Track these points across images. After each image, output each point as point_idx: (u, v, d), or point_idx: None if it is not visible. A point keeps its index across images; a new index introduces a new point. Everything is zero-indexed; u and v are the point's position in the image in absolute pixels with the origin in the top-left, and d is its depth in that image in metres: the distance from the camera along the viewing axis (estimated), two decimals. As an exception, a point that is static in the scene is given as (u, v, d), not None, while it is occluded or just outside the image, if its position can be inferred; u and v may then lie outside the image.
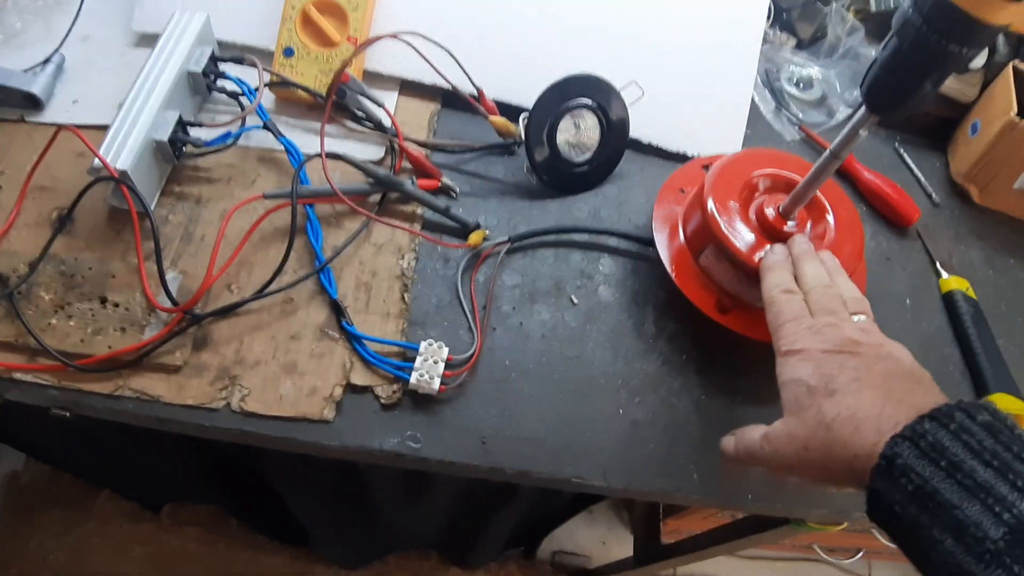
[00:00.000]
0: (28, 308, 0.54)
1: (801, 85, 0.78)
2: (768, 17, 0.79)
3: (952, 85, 0.74)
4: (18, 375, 0.52)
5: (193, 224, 0.60)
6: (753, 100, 0.77)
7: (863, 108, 0.48)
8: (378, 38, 0.61)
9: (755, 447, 0.45)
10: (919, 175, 0.76)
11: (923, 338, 0.66)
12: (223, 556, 1.22)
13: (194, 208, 0.61)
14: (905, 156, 0.77)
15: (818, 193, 0.59)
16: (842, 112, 0.77)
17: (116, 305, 0.55)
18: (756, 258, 0.55)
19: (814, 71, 0.79)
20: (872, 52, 0.77)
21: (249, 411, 0.53)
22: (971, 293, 0.67)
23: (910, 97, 0.45)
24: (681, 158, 0.70)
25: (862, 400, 0.40)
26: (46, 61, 0.64)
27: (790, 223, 0.58)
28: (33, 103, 0.63)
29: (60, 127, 0.57)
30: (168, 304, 0.54)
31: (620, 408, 0.57)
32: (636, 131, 0.69)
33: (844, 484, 0.40)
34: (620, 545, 1.31)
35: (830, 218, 0.59)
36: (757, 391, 0.60)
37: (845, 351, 0.43)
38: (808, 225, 0.59)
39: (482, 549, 1.12)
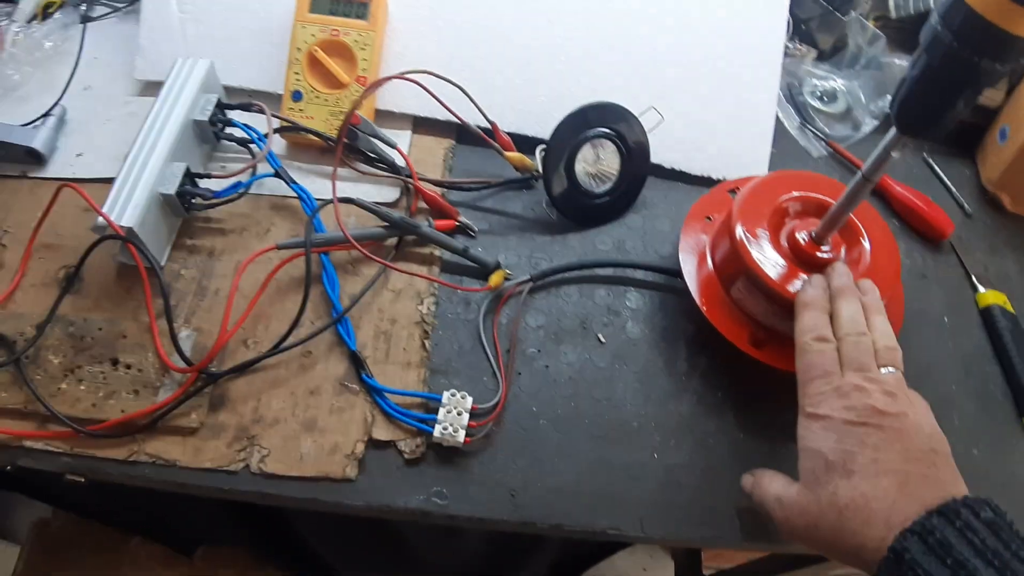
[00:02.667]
0: (37, 373, 0.53)
1: (825, 98, 0.75)
2: (787, 30, 0.77)
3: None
4: (28, 443, 0.51)
5: (207, 278, 0.59)
6: (777, 117, 0.74)
7: (894, 130, 0.45)
8: (387, 79, 0.59)
9: (769, 504, 0.46)
10: (950, 185, 0.73)
11: (964, 357, 0.63)
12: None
13: (207, 261, 0.59)
14: (935, 166, 0.74)
15: (852, 216, 0.57)
16: (868, 124, 0.74)
17: (128, 367, 0.54)
18: (791, 289, 0.52)
19: (837, 83, 0.76)
20: (895, 60, 0.74)
21: (269, 472, 0.51)
22: (1009, 307, 0.64)
23: (943, 116, 0.43)
24: (706, 182, 0.68)
25: (877, 488, 0.40)
26: (47, 114, 0.63)
27: (824, 248, 0.55)
28: (35, 158, 0.62)
29: (63, 184, 0.56)
30: (181, 364, 0.53)
31: (655, 453, 0.54)
32: (658, 156, 0.66)
33: (850, 565, 0.41)
34: (662, 571, 1.27)
35: (865, 242, 0.56)
36: (793, 429, 0.57)
37: (869, 424, 0.43)
38: (843, 250, 0.56)
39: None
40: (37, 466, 0.51)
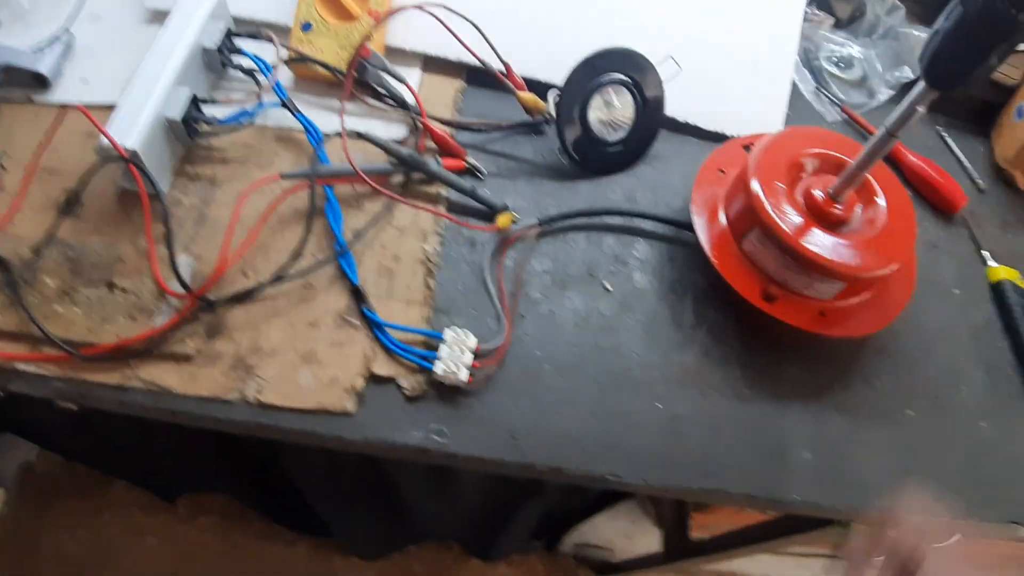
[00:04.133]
0: (32, 295, 0.51)
1: (841, 64, 0.74)
2: (807, -7, 0.76)
3: (1002, 64, 0.70)
4: (21, 366, 0.49)
5: (207, 206, 0.57)
6: (792, 80, 0.73)
7: (922, 83, 0.44)
8: (400, 9, 0.57)
9: None
10: (963, 160, 0.72)
11: (973, 329, 0.62)
12: (239, 546, 1.19)
13: (209, 189, 0.58)
14: (948, 140, 0.73)
15: (868, 175, 0.56)
16: (883, 94, 0.73)
17: (125, 291, 0.52)
18: (804, 243, 0.51)
19: (854, 50, 0.75)
20: (913, 31, 0.73)
21: (266, 403, 0.50)
22: (1020, 283, 0.63)
23: (974, 71, 0.42)
24: (719, 138, 0.67)
25: None
26: (54, 40, 0.61)
27: (838, 206, 0.54)
28: (40, 83, 0.60)
29: (68, 107, 0.54)
30: (179, 290, 0.51)
31: (658, 402, 0.54)
32: (672, 109, 0.65)
33: None
34: (645, 537, 1.27)
35: (881, 201, 0.55)
36: (804, 382, 0.56)
37: None
38: (859, 209, 0.55)
39: (504, 542, 1.09)
40: (29, 390, 0.50)
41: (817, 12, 0.77)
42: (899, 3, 0.74)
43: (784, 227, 0.52)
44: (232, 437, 0.55)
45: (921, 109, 0.46)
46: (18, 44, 0.60)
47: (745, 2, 0.67)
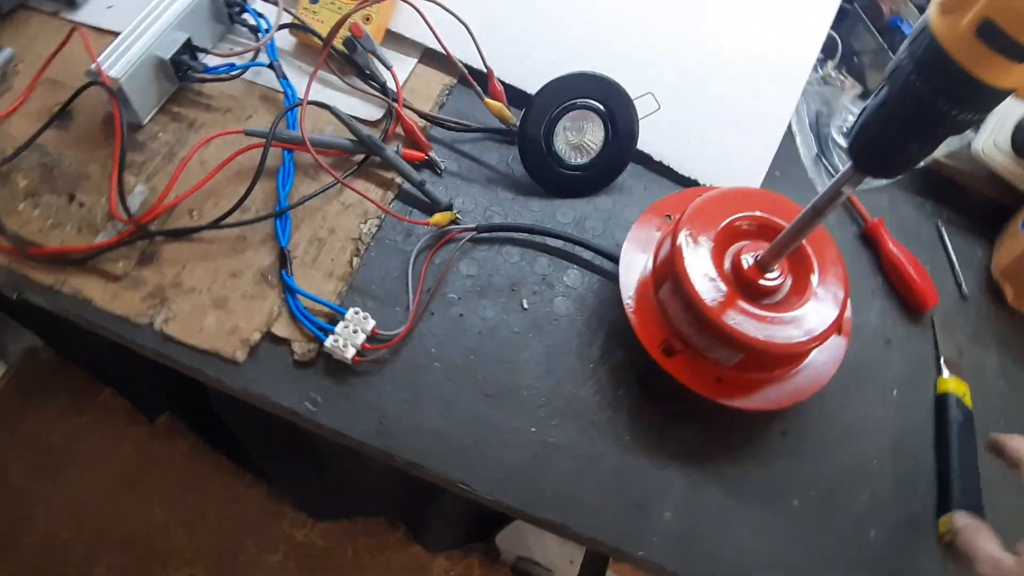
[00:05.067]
0: (2, 189, 0.57)
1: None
2: (835, 56, 0.73)
3: (1010, 168, 0.65)
4: (-25, 250, 0.55)
5: (179, 146, 0.61)
6: (795, 142, 0.71)
7: (849, 163, 0.42)
8: None
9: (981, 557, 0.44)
10: (954, 260, 0.68)
11: (900, 434, 0.59)
12: (204, 476, 1.26)
13: (185, 131, 0.62)
14: (945, 236, 0.69)
15: (808, 248, 0.54)
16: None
17: (81, 205, 0.57)
18: (710, 303, 0.50)
19: (871, 124, 0.71)
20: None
21: (168, 334, 0.54)
22: (968, 400, 0.59)
23: (895, 157, 0.40)
24: (692, 184, 0.66)
25: None
26: (89, -38, 0.67)
27: (769, 276, 0.52)
28: (69, 2, 0.66)
29: (75, 27, 0.60)
30: (124, 215, 0.56)
31: (534, 426, 0.54)
32: (648, 146, 0.65)
33: None
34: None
35: (814, 279, 0.53)
36: (691, 445, 0.55)
37: None
38: (788, 281, 0.53)
39: (438, 530, 1.10)
40: (-19, 273, 0.56)
41: (845, 76, 0.74)
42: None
43: (692, 281, 0.51)
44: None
45: (846, 190, 0.44)
46: (56, -36, 0.66)
47: (750, 53, 0.65)
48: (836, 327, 0.53)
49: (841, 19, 0.66)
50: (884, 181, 0.69)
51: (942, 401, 0.60)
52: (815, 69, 0.73)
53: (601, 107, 0.61)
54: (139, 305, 0.54)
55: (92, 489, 1.22)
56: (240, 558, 1.24)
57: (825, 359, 0.56)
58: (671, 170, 0.66)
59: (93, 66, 0.56)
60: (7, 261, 0.55)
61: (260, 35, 0.64)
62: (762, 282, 0.52)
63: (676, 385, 0.54)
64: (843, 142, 0.71)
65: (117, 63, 0.57)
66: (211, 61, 0.62)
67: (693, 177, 0.65)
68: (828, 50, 0.71)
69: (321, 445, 0.80)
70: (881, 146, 0.40)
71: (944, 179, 0.72)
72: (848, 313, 0.58)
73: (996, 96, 0.34)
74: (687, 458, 0.55)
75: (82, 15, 0.66)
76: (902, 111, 0.37)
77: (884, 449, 0.58)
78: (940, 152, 0.68)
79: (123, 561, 1.20)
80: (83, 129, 0.61)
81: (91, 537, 1.20)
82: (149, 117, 0.62)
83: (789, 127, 0.71)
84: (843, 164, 0.67)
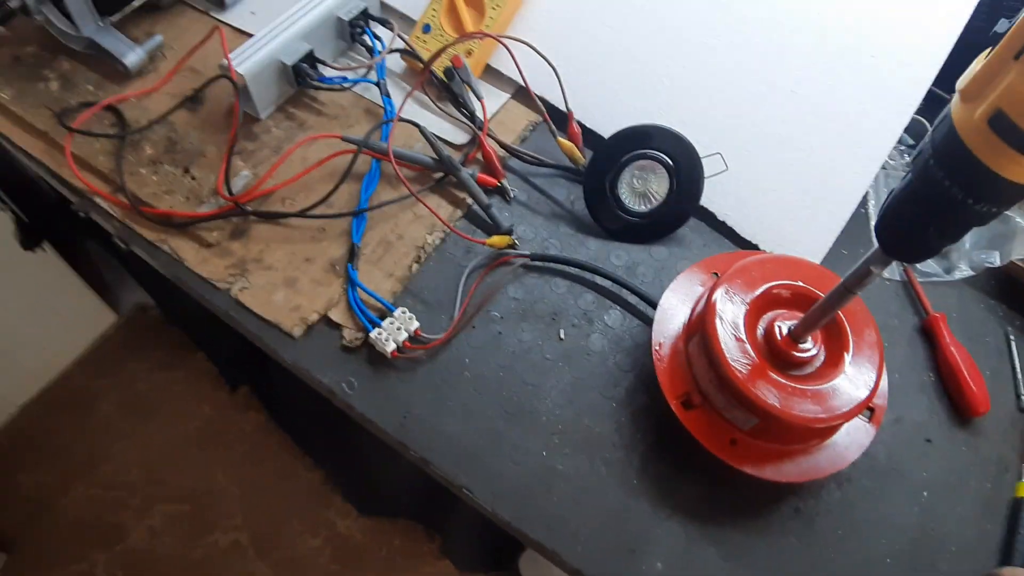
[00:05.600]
0: (131, 154, 0.66)
1: (931, 229, 0.69)
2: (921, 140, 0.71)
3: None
4: (98, 199, 0.64)
5: (287, 142, 0.69)
6: (869, 224, 0.70)
7: (876, 244, 0.43)
8: (477, 35, 0.65)
9: None
10: (1018, 369, 0.64)
11: (922, 536, 0.56)
12: (268, 450, 1.35)
13: (295, 129, 0.70)
14: (1013, 344, 0.66)
15: (846, 324, 0.53)
16: (961, 271, 0.67)
17: (193, 178, 0.66)
18: (735, 366, 0.51)
19: (954, 220, 0.69)
20: (1017, 220, 0.66)
21: (241, 301, 0.60)
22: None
23: (915, 241, 0.40)
24: (752, 248, 0.66)
25: None
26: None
27: (803, 346, 0.53)
28: (218, 3, 0.76)
29: (217, 25, 0.69)
30: (227, 193, 0.63)
31: (545, 451, 0.56)
32: (714, 204, 0.66)
33: None
34: None
35: (847, 356, 0.53)
36: (697, 502, 0.55)
37: None
38: (820, 357, 0.53)
39: (463, 544, 1.13)
40: (99, 220, 0.65)
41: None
42: (1022, 188, 0.67)
43: (720, 337, 0.52)
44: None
45: (876, 271, 0.44)
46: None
47: (831, 124, 0.66)
48: (860, 410, 0.52)
49: (930, 104, 0.65)
50: (954, 276, 0.67)
51: (1018, 505, 0.57)
52: (901, 154, 0.72)
53: (669, 160, 0.63)
54: (222, 272, 0.61)
55: (166, 440, 1.33)
56: (283, 535, 1.31)
57: (848, 443, 0.55)
58: (734, 232, 0.67)
59: (225, 61, 0.65)
60: (122, 215, 0.64)
61: (374, 56, 0.72)
62: (794, 352, 0.52)
63: (693, 441, 0.54)
64: (920, 233, 0.69)
65: (246, 61, 0.65)
66: (328, 72, 0.70)
67: (754, 241, 0.66)
68: (914, 133, 0.70)
69: (367, 439, 0.85)
70: (902, 230, 0.40)
71: (1021, 284, 0.69)
72: (882, 401, 0.57)
73: (1010, 189, 0.34)
74: (690, 514, 0.55)
75: (228, 16, 0.76)
76: (922, 197, 0.38)
77: (902, 551, 0.56)
78: (1018, 254, 0.66)
79: (176, 513, 1.30)
80: (209, 114, 0.70)
81: (154, 483, 1.31)
82: (267, 113, 0.70)
83: (865, 206, 0.70)
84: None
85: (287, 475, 1.35)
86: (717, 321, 0.53)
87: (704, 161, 0.63)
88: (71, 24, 0.70)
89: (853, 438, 0.55)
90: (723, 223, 0.67)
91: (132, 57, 0.71)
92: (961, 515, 0.58)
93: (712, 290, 0.54)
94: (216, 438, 1.35)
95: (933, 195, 0.37)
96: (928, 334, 0.65)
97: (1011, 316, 0.68)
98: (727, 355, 0.51)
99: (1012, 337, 0.66)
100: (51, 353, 1.38)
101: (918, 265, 0.68)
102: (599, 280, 0.64)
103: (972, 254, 0.67)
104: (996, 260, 0.66)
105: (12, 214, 1.00)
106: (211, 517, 1.31)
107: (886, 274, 0.68)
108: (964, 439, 0.61)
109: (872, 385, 0.52)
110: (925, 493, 0.58)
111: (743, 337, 0.53)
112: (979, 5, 0.65)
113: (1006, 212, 0.66)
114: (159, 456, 1.33)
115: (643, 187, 0.65)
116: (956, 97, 0.34)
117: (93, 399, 1.36)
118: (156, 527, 1.28)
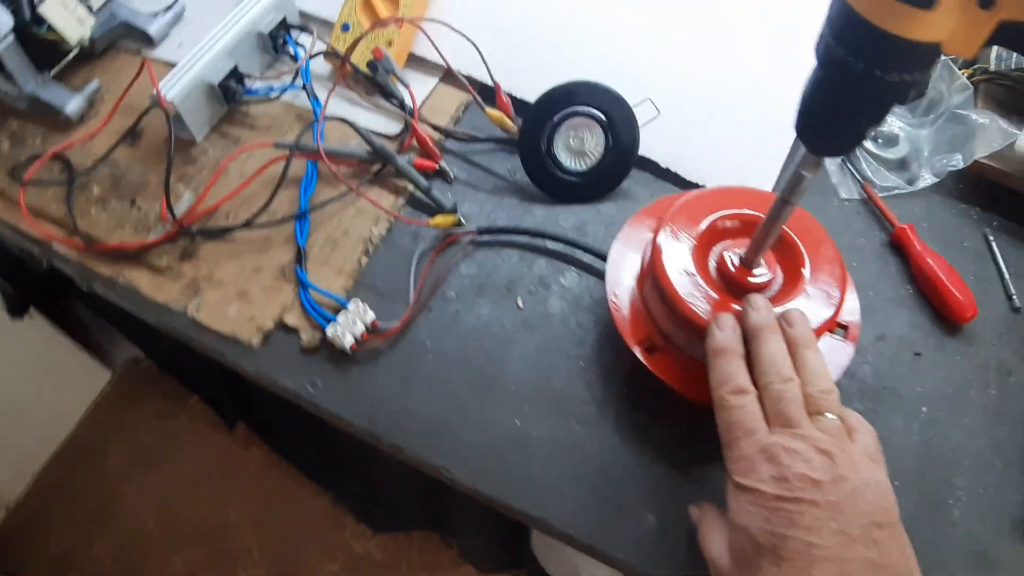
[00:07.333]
0: (80, 196, 0.67)
1: (881, 140, 0.68)
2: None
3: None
4: (56, 245, 0.65)
5: (224, 160, 0.69)
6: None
7: (801, 145, 0.42)
8: (393, 20, 0.65)
9: (707, 558, 0.43)
10: (1004, 270, 0.63)
11: (928, 453, 0.55)
12: (275, 482, 1.35)
13: (230, 147, 0.70)
14: (994, 245, 0.64)
15: (799, 243, 0.52)
16: (924, 180, 0.66)
17: (140, 209, 0.66)
18: (683, 296, 0.50)
19: (902, 128, 0.68)
20: (976, 117, 0.65)
21: (198, 320, 0.60)
22: None
23: (838, 130, 0.39)
24: (699, 188, 0.65)
25: None
26: (168, 8, 0.77)
27: (756, 272, 0.52)
28: (149, 41, 0.76)
29: (144, 59, 0.70)
30: (171, 217, 0.64)
31: (519, 419, 0.55)
32: (655, 152, 0.66)
33: None
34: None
35: (805, 272, 0.52)
36: (676, 447, 0.54)
37: (802, 500, 0.37)
38: (777, 279, 0.52)
39: (479, 544, 1.12)
40: (62, 268, 0.65)
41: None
42: (969, 83, 0.66)
43: (670, 275, 0.51)
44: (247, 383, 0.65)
45: (807, 174, 0.43)
46: (140, 7, 0.77)
47: (767, 52, 0.65)
48: (828, 327, 0.51)
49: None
50: (918, 186, 0.66)
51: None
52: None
53: (599, 114, 0.62)
54: (176, 294, 0.62)
55: (176, 485, 1.34)
56: (302, 563, 1.31)
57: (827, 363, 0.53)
58: (679, 176, 0.66)
59: (154, 92, 0.65)
60: (78, 257, 0.64)
61: (298, 62, 0.72)
62: (748, 279, 0.51)
63: (663, 386, 0.53)
64: (873, 148, 0.68)
65: (173, 88, 0.65)
66: (254, 85, 0.70)
67: (701, 183, 0.65)
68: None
69: (366, 454, 0.85)
70: (821, 123, 0.39)
71: (990, 183, 0.67)
72: (854, 318, 0.56)
73: (918, 51, 0.33)
74: (672, 459, 0.54)
75: (158, 51, 0.76)
76: (831, 83, 0.37)
77: (908, 471, 0.54)
78: (981, 152, 0.64)
79: (198, 556, 1.30)
80: (148, 145, 0.70)
81: (171, 528, 1.32)
82: (203, 135, 0.70)
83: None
84: (870, 169, 0.65)
85: (297, 504, 1.35)
86: (665, 260, 0.52)
87: (636, 110, 0.63)
88: (13, 84, 0.71)
89: (830, 359, 0.54)
90: (667, 170, 0.66)
91: (72, 105, 0.72)
92: (968, 426, 0.56)
93: (656, 232, 0.54)
94: (223, 478, 1.35)
95: (840, 76, 0.36)
96: (898, 247, 0.64)
97: (987, 217, 0.66)
98: (680, 291, 0.50)
99: (991, 238, 0.64)
100: (56, 417, 1.40)
101: (876, 180, 0.67)
102: (550, 244, 0.63)
103: (933, 160, 0.66)
104: (959, 162, 0.64)
105: (-4, 286, 1.01)
106: (230, 556, 1.31)
107: (844, 194, 0.67)
108: (956, 348, 0.59)
109: (837, 302, 0.51)
110: (924, 409, 0.57)
111: (694, 272, 0.52)
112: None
113: (959, 111, 0.65)
114: (171, 503, 1.34)
115: (579, 146, 0.64)
116: None
117: (101, 456, 1.38)
118: (180, 573, 1.29)
